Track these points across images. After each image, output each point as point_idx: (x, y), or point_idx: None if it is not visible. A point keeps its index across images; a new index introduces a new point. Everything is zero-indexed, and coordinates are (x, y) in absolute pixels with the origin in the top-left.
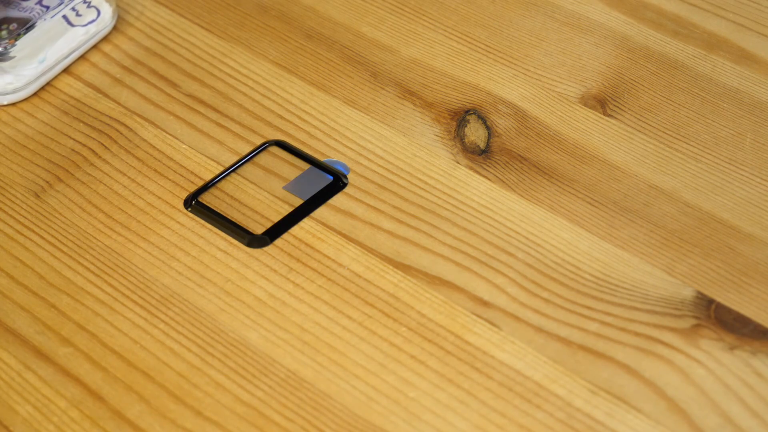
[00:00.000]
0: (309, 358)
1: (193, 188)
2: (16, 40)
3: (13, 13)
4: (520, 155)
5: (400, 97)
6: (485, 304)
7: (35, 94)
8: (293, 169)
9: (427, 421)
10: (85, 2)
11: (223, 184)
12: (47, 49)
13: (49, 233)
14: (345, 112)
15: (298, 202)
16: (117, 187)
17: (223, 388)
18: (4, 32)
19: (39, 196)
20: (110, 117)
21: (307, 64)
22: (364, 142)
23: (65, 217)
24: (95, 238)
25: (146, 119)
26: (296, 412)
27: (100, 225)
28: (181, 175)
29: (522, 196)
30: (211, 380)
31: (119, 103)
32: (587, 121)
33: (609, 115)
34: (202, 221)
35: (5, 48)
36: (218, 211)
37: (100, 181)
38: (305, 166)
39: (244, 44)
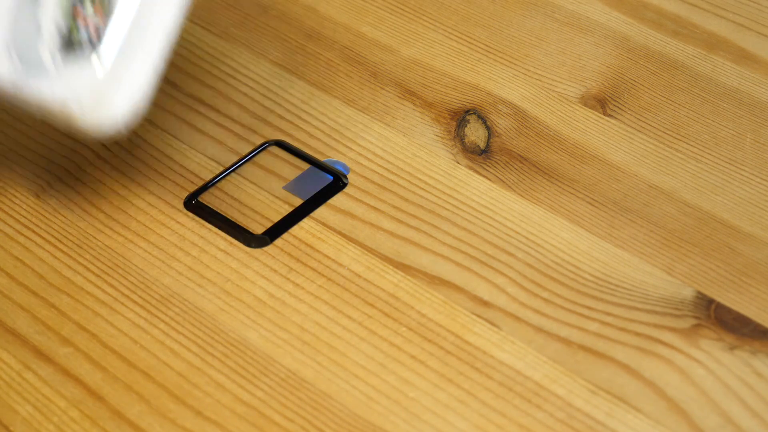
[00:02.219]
0: (309, 358)
1: (193, 188)
2: (105, 18)
3: None
4: (520, 155)
5: (400, 97)
6: (485, 304)
7: None
8: (293, 169)
9: (427, 421)
10: None
11: (223, 184)
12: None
13: (49, 233)
14: (345, 112)
15: (298, 202)
16: (117, 187)
17: (223, 388)
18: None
19: (39, 196)
20: None
21: (307, 64)
22: (364, 142)
23: (65, 217)
24: (95, 238)
25: (146, 119)
26: (296, 412)
27: (100, 225)
28: (181, 175)
29: (522, 196)
30: (211, 380)
31: None
32: (587, 121)
33: (609, 115)
34: (202, 221)
35: (97, 30)
36: (218, 211)
37: (100, 181)
38: (305, 166)
39: (244, 44)
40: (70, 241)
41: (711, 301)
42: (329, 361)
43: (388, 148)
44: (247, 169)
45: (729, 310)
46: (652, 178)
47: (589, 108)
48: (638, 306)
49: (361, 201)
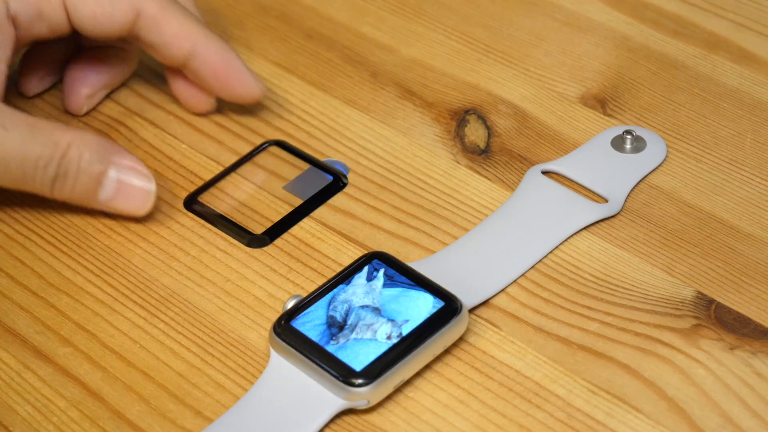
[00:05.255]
0: None
1: (193, 188)
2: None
3: None
4: (520, 155)
5: (400, 97)
6: (485, 304)
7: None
8: (293, 169)
9: (427, 421)
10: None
11: (223, 184)
12: None
13: (49, 233)
14: (345, 112)
15: (298, 202)
16: None
17: (223, 388)
18: None
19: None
20: (110, 117)
21: (307, 64)
22: (364, 142)
23: (65, 217)
24: (95, 238)
25: (146, 119)
26: None
27: (100, 225)
28: (181, 175)
29: None
30: (211, 380)
31: (119, 103)
32: (587, 121)
33: (609, 115)
34: (202, 221)
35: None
36: (218, 211)
37: None
38: (305, 166)
39: (244, 44)
40: (70, 241)
41: (711, 301)
42: None
43: (388, 148)
44: (247, 169)
45: (729, 310)
46: (652, 178)
47: (589, 108)
48: (638, 306)
49: (361, 201)
